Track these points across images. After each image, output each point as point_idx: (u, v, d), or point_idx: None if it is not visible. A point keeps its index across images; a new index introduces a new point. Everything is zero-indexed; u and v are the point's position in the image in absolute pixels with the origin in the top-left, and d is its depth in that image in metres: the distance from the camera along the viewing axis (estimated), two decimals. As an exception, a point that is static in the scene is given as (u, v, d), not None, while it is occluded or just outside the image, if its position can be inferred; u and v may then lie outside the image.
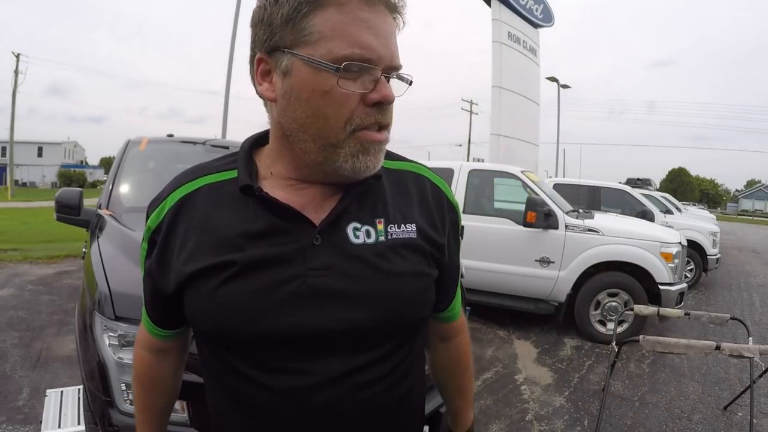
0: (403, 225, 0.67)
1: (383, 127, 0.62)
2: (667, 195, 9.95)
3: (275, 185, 0.66)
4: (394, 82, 0.63)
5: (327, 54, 0.57)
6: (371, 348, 0.64)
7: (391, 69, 0.61)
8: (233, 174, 0.67)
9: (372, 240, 0.64)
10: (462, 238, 0.81)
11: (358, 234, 0.64)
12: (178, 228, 0.65)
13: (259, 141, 0.72)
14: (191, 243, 0.63)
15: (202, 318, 0.63)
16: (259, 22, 0.61)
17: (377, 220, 0.66)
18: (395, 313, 0.64)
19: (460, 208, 0.78)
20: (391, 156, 0.73)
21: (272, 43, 0.59)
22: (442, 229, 0.72)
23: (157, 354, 0.79)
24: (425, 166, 0.77)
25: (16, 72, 27.46)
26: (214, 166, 0.69)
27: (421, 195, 0.71)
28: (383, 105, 0.60)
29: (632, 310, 3.19)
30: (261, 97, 0.65)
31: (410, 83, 0.65)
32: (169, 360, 0.80)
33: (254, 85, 0.64)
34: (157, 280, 0.68)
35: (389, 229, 0.66)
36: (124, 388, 1.34)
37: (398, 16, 0.62)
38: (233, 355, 0.64)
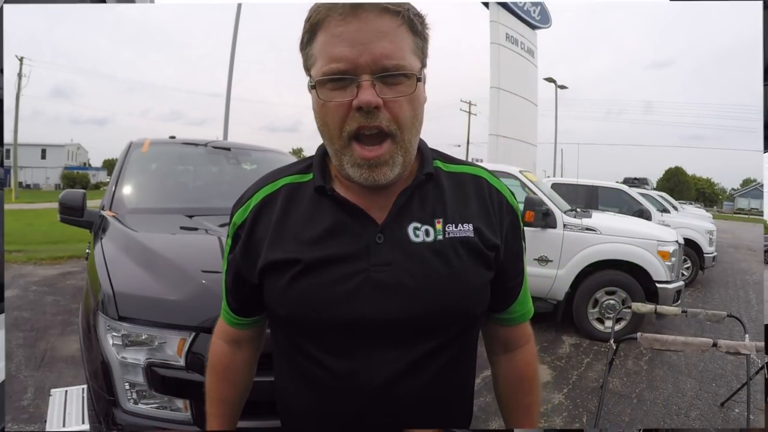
0: (460, 225, 0.71)
1: (375, 133, 0.63)
2: (663, 194, 9.97)
3: (345, 186, 0.72)
4: (394, 84, 0.62)
5: (317, 73, 0.64)
6: (426, 339, 0.69)
7: (380, 71, 0.61)
8: (310, 176, 0.74)
9: (431, 239, 0.69)
10: (525, 242, 0.80)
11: (417, 233, 0.69)
12: (261, 223, 0.73)
13: None
14: (271, 236, 0.71)
15: (279, 306, 0.71)
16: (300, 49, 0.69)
17: (436, 220, 0.70)
18: (447, 306, 0.69)
19: None
20: (451, 160, 0.78)
21: (305, 68, 0.68)
22: (499, 229, 0.74)
23: (232, 344, 0.85)
24: (485, 169, 0.78)
25: (20, 75, 27.47)
26: (294, 169, 0.77)
27: (479, 196, 0.74)
28: (364, 109, 0.61)
29: (630, 307, 3.21)
30: None
31: (418, 79, 0.64)
32: (243, 351, 0.86)
33: None
34: (242, 269, 0.75)
35: (447, 229, 0.70)
36: (127, 387, 1.36)
37: (397, 12, 0.62)
38: (304, 338, 0.71)
